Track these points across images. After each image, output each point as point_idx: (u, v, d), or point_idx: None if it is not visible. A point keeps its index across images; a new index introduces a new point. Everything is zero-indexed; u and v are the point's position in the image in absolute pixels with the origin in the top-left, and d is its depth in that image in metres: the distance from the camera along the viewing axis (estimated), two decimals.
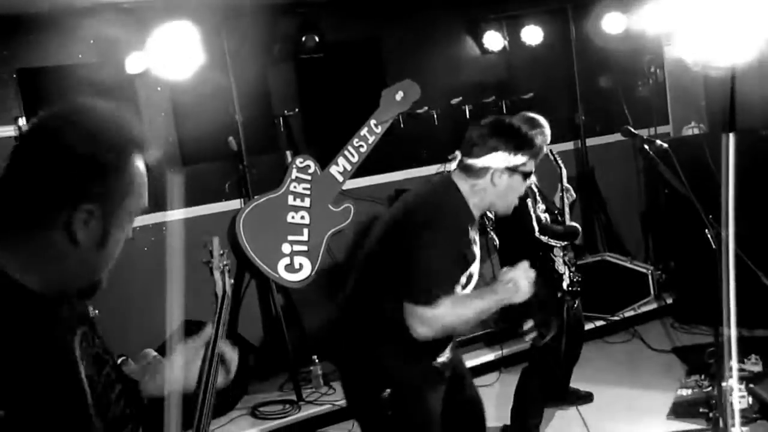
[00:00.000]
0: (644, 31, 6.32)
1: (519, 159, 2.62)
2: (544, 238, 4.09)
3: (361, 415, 2.86)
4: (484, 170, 2.62)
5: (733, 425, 3.43)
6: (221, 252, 1.86)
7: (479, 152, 2.61)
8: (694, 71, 6.75)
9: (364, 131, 5.42)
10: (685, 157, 5.10)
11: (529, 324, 2.67)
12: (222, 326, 1.77)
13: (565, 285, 4.19)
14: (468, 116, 5.97)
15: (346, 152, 5.40)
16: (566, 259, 4.23)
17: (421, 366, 2.70)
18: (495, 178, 2.62)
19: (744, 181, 4.79)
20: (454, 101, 5.91)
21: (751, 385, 4.27)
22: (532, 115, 4.21)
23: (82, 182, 1.32)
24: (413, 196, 2.83)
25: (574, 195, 4.54)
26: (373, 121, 5.44)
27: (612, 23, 6.22)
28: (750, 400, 4.15)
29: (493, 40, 6.15)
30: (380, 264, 2.69)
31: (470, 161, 2.63)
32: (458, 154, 2.70)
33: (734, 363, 2.45)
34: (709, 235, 3.64)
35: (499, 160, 2.61)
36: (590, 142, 6.58)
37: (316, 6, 5.49)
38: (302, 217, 5.24)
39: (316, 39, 5.33)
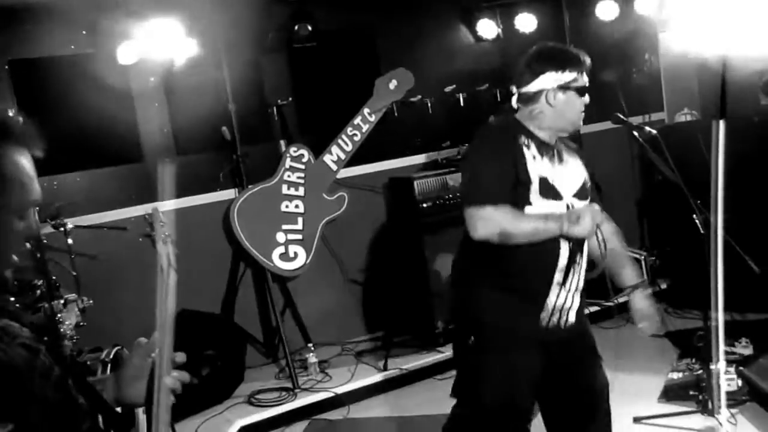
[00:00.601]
0: (639, 17, 6.33)
1: (568, 75, 2.71)
2: None
3: (456, 357, 2.98)
4: (538, 94, 2.72)
5: (720, 407, 3.46)
6: (162, 222, 1.74)
7: (530, 78, 2.73)
8: (688, 58, 6.77)
9: (357, 120, 5.43)
10: (678, 144, 5.11)
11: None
12: (171, 300, 1.63)
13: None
14: (462, 104, 5.97)
15: (339, 141, 5.42)
16: None
17: (512, 320, 2.72)
18: (550, 99, 2.72)
19: (738, 166, 4.83)
20: (448, 89, 5.89)
21: (741, 368, 4.31)
22: None
23: None
24: None
25: None
26: (366, 110, 5.45)
27: (606, 10, 6.23)
28: (739, 382, 4.19)
29: (487, 28, 6.15)
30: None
31: (524, 89, 2.75)
32: (512, 88, 2.82)
33: (721, 346, 2.50)
34: (697, 221, 3.67)
35: (549, 80, 2.71)
36: (585, 129, 6.57)
37: None
38: (296, 206, 5.27)
39: (309, 28, 5.34)
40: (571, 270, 2.74)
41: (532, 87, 2.73)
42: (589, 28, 6.37)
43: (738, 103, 5.48)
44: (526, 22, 6.13)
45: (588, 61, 2.77)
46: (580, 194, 2.78)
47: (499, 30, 6.19)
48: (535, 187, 2.66)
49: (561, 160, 2.80)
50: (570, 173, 2.80)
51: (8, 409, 1.30)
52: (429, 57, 5.99)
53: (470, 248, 2.76)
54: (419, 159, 5.93)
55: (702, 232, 3.68)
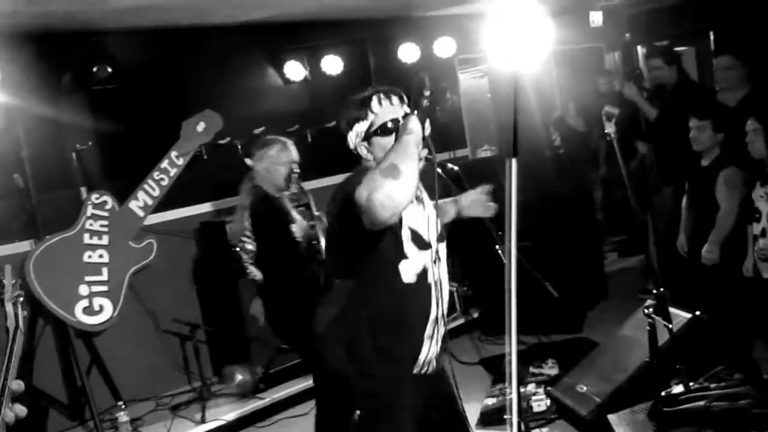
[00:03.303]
0: (439, 59, 6.66)
1: (362, 125, 2.53)
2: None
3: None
4: (356, 152, 2.57)
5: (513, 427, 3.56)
6: (13, 281, 1.76)
7: (346, 137, 2.58)
8: (486, 97, 7.19)
9: (164, 164, 5.24)
10: (481, 178, 5.37)
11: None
12: (14, 363, 1.68)
13: None
14: None
15: (146, 186, 5.19)
16: None
17: (395, 386, 2.51)
18: (363, 153, 2.54)
19: (535, 197, 5.13)
20: (258, 131, 5.81)
21: (549, 388, 4.53)
22: (272, 137, 4.31)
23: None
24: None
25: (324, 221, 4.59)
26: (174, 153, 5.26)
27: (408, 53, 6.49)
28: (548, 402, 4.40)
29: (294, 70, 6.20)
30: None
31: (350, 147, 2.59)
32: None
33: (515, 370, 2.60)
34: (499, 251, 3.85)
35: (353, 137, 2.55)
36: None
37: (109, 35, 5.30)
38: (100, 256, 4.97)
39: (109, 70, 5.14)
40: (438, 320, 2.57)
41: (350, 146, 2.57)
42: (392, 70, 6.58)
43: (532, 139, 5.87)
44: (332, 65, 6.25)
45: (380, 91, 2.55)
46: (441, 236, 2.62)
47: (307, 72, 6.25)
48: (406, 233, 2.48)
49: (423, 204, 2.61)
50: (431, 216, 2.60)
51: None
52: (237, 99, 5.94)
53: (342, 305, 2.53)
54: (232, 202, 5.75)
55: (504, 261, 3.85)
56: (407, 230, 2.49)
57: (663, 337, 4.01)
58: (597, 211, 7.29)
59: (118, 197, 5.12)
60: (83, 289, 4.86)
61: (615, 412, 4.01)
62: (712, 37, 7.53)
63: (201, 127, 5.34)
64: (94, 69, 5.09)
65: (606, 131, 4.28)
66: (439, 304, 2.56)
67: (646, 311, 4.01)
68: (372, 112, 2.52)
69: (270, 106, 6.21)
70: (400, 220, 2.44)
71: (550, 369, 4.94)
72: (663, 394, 4.02)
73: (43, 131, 5.11)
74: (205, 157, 5.54)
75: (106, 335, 5.12)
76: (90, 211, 5.00)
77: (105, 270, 4.97)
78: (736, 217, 4.50)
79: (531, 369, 4.95)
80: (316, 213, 4.84)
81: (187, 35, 5.72)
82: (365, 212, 2.16)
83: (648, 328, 3.98)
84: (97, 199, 5.05)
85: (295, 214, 4.60)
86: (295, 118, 6.20)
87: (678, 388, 4.05)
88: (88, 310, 4.85)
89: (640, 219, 6.42)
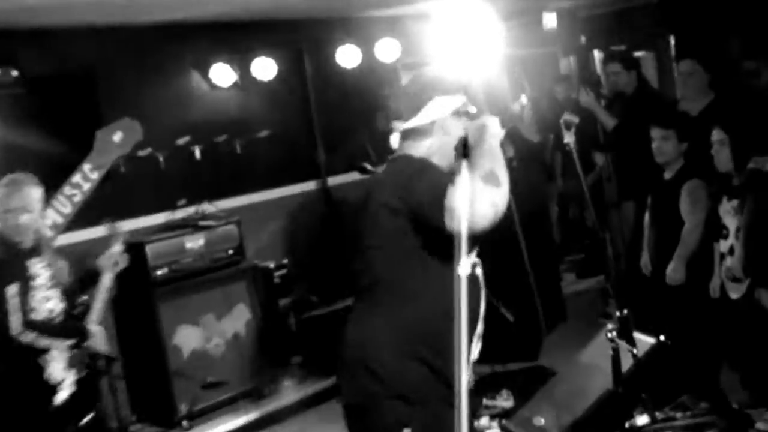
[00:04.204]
0: (381, 63, 6.36)
1: (460, 98, 2.48)
2: (28, 337, 3.44)
3: None
4: (431, 125, 2.45)
5: None
6: None
7: (416, 109, 2.46)
8: None
9: (77, 178, 4.84)
10: None
11: None
12: None
13: (60, 398, 3.58)
14: (198, 157, 5.68)
15: (56, 202, 4.77)
16: (74, 361, 3.66)
17: (445, 393, 2.33)
18: (446, 128, 2.46)
19: None
20: (181, 141, 5.55)
21: (504, 421, 4.38)
22: (11, 175, 3.73)
23: None
24: (373, 182, 2.64)
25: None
26: (87, 166, 4.87)
27: (347, 57, 6.21)
28: None
29: (222, 75, 5.82)
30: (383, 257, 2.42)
31: (412, 124, 2.47)
32: (397, 125, 2.52)
33: (464, 403, 2.36)
34: None
35: (442, 107, 2.45)
36: (333, 180, 6.46)
37: (15, 35, 4.95)
38: None
39: (15, 73, 4.84)
40: (482, 318, 2.51)
41: (421, 119, 2.46)
42: (331, 75, 6.33)
43: None
44: (265, 69, 5.87)
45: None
46: None
47: (237, 77, 5.88)
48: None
49: None
50: None
51: None
52: (159, 106, 5.62)
53: (383, 313, 2.41)
54: (153, 220, 5.47)
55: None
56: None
57: (626, 363, 3.81)
58: (553, 229, 7.10)
59: None
60: None
61: None
62: (672, 42, 7.49)
63: (118, 137, 4.98)
64: None
65: (565, 141, 4.05)
66: (483, 299, 2.55)
67: (609, 335, 3.81)
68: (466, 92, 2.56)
69: (195, 114, 5.87)
70: None
71: (505, 401, 4.79)
72: (627, 425, 3.90)
73: None
74: (123, 170, 5.23)
75: None
76: None
77: None
78: (702, 233, 4.40)
79: (484, 401, 4.80)
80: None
81: (104, 35, 5.36)
82: (461, 221, 2.14)
83: (611, 353, 3.76)
84: None
85: (43, 268, 3.72)
86: (223, 128, 5.90)
87: (642, 419, 3.98)
88: None
89: (600, 236, 6.31)
